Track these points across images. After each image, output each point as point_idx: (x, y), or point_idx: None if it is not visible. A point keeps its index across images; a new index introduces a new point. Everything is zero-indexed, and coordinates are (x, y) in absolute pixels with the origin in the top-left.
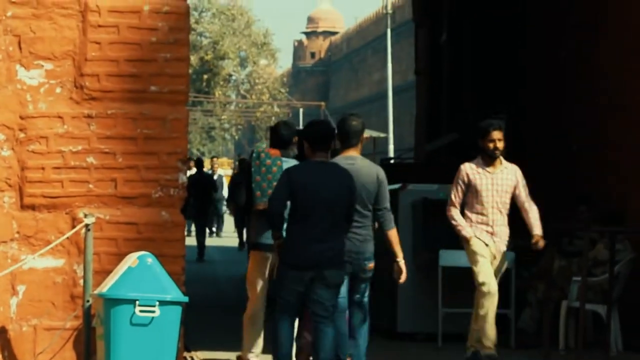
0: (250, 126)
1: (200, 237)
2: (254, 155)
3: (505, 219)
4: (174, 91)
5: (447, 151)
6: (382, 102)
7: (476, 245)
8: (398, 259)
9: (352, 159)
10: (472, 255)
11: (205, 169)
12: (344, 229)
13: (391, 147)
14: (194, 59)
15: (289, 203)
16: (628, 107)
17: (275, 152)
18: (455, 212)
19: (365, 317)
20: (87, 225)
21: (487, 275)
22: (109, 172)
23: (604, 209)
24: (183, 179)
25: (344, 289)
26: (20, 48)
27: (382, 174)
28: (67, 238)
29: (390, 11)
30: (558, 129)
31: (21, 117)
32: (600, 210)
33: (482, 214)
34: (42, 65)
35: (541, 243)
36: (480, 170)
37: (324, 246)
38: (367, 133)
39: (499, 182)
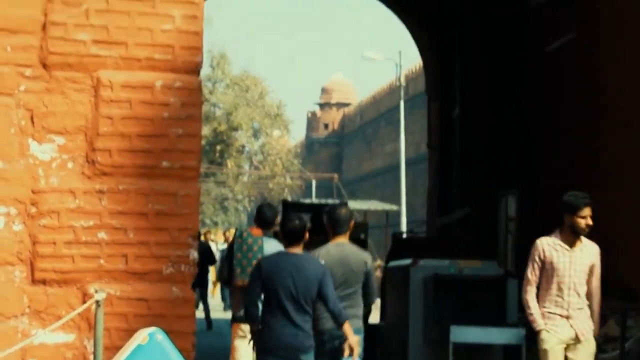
0: (263, 197)
1: (205, 306)
2: (237, 234)
3: (583, 302)
4: (186, 167)
5: (458, 226)
6: (394, 173)
7: (546, 340)
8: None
9: (342, 245)
10: (541, 351)
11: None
12: (312, 315)
13: (404, 219)
14: (207, 129)
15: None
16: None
17: (257, 231)
18: (530, 296)
19: None
20: (97, 301)
21: None
22: (120, 247)
23: (615, 285)
24: (194, 255)
25: None
26: (32, 122)
27: (370, 261)
28: (78, 313)
29: (403, 83)
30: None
31: (33, 192)
32: (612, 286)
33: (557, 296)
34: (54, 140)
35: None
36: (558, 247)
37: (295, 331)
38: (380, 207)
39: (577, 260)
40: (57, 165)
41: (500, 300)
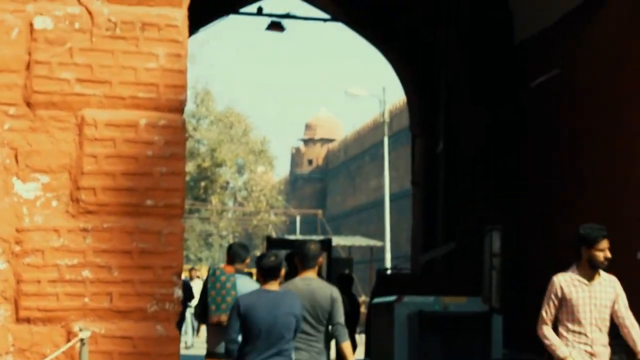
0: (247, 234)
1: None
2: (210, 272)
3: (606, 338)
4: (170, 205)
5: (443, 262)
6: (379, 209)
7: None
8: None
9: (309, 280)
10: None
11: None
12: (290, 348)
13: (388, 255)
14: (191, 165)
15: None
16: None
17: (230, 269)
18: (547, 330)
19: None
20: (82, 339)
21: None
22: (105, 285)
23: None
24: (178, 293)
25: None
26: (17, 161)
27: (336, 293)
28: (63, 352)
29: (387, 120)
30: (552, 240)
31: (17, 230)
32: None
33: (579, 333)
34: (39, 179)
35: None
36: (576, 282)
37: None
38: (365, 242)
39: (597, 295)
40: (41, 203)
41: (485, 336)
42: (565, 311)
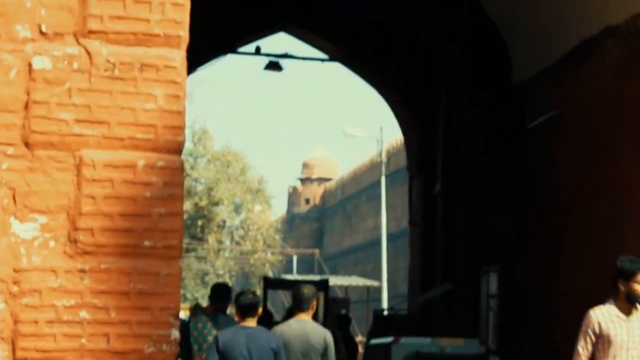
0: (244, 273)
1: None
2: (192, 312)
3: None
4: (168, 246)
5: (440, 302)
6: (376, 248)
7: None
8: None
9: (304, 322)
10: None
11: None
12: None
13: (385, 295)
14: (188, 204)
15: None
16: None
17: (212, 309)
18: None
19: None
20: None
21: None
22: (102, 326)
23: None
24: (175, 334)
25: None
26: (14, 201)
27: (329, 337)
28: None
29: (384, 159)
30: (550, 282)
31: (15, 270)
32: None
33: None
34: (37, 219)
35: None
36: (614, 317)
37: None
38: (362, 282)
39: (636, 332)
40: (39, 244)
41: None
42: (602, 347)
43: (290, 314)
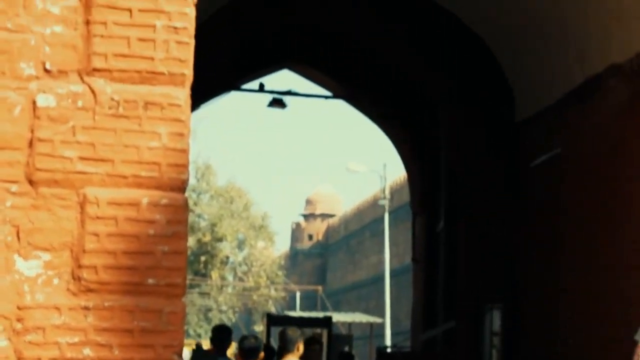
0: (247, 309)
1: None
2: (193, 352)
3: None
4: (172, 284)
5: (443, 340)
6: (379, 285)
7: None
8: None
9: None
10: None
11: None
12: None
13: (388, 331)
14: (192, 240)
15: None
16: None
17: (211, 350)
18: None
19: None
20: None
21: None
22: None
23: None
24: None
25: None
26: (18, 238)
27: None
28: None
29: (387, 196)
30: (553, 319)
31: (18, 308)
32: None
33: None
34: (40, 256)
35: None
36: None
37: None
38: (365, 319)
39: None
40: (42, 281)
41: None
42: None
43: (279, 356)
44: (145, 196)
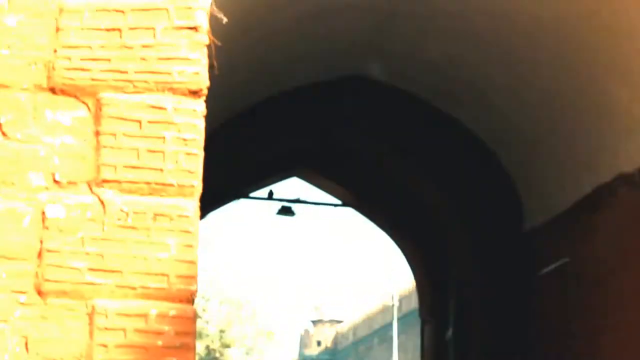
0: None
1: None
2: None
3: None
4: None
5: None
6: None
7: None
8: None
9: None
10: None
11: None
12: None
13: None
14: (200, 346)
15: None
16: None
17: None
18: None
19: None
20: None
21: None
22: None
23: None
24: None
25: None
26: (27, 349)
27: None
28: None
29: (396, 303)
30: None
31: None
32: None
33: None
34: None
35: None
36: None
37: None
38: None
39: None
40: None
41: None
42: None
43: None
44: (153, 307)
